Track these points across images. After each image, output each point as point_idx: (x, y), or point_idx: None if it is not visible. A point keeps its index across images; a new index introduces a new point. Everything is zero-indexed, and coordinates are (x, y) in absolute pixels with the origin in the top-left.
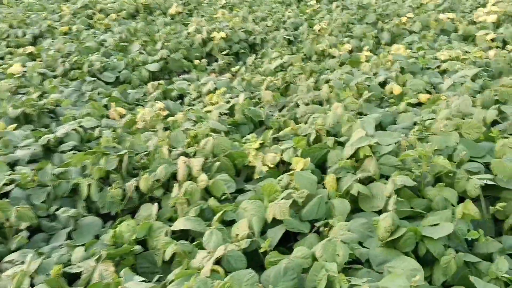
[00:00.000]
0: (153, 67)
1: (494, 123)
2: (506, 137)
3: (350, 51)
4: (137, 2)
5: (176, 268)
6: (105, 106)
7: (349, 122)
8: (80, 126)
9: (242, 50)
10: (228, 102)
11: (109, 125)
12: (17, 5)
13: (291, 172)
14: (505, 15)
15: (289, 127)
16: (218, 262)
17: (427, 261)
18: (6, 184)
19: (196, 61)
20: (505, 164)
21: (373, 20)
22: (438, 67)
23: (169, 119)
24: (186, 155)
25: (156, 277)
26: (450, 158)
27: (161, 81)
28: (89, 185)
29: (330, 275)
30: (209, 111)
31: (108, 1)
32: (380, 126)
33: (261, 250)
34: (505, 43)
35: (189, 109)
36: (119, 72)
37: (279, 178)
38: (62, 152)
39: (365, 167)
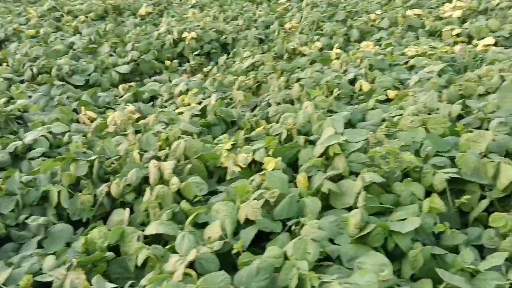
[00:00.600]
0: (124, 69)
1: (459, 117)
2: (470, 131)
3: (321, 49)
4: (106, 3)
5: (149, 273)
6: (75, 110)
7: (319, 121)
8: (49, 132)
9: (214, 50)
10: (200, 103)
11: (79, 130)
12: None
13: (263, 172)
14: (470, 10)
15: (260, 127)
16: (191, 265)
17: (396, 256)
18: None
19: (168, 62)
20: (469, 157)
21: (343, 17)
22: (406, 63)
23: (141, 122)
24: (158, 158)
25: (128, 283)
26: (417, 153)
27: (132, 83)
28: (59, 192)
29: (301, 274)
30: (181, 113)
31: (76, 3)
32: (350, 124)
33: (233, 251)
34: (470, 38)
35: (161, 111)
36: (89, 75)
37: (251, 178)
38: (31, 159)
39: (335, 165)
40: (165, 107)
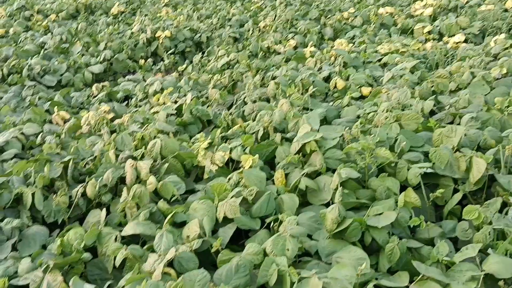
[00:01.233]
0: (97, 68)
1: (432, 113)
2: (442, 126)
3: (295, 47)
4: (77, 2)
5: (127, 273)
6: (47, 111)
7: (295, 118)
8: (21, 133)
9: (188, 49)
10: (175, 102)
11: (52, 131)
12: None
13: (240, 170)
14: (440, 8)
15: (237, 125)
16: (170, 264)
17: (373, 250)
18: None
19: (141, 61)
20: (442, 152)
21: (316, 15)
22: (379, 60)
23: (115, 121)
24: (134, 158)
25: (107, 284)
26: (391, 148)
27: (106, 83)
28: (33, 194)
29: (281, 269)
30: (156, 112)
31: (47, 2)
32: (325, 121)
33: (212, 250)
34: (441, 35)
35: (136, 110)
36: (61, 75)
37: (228, 176)
38: (3, 161)
39: (311, 161)
40: (140, 106)
